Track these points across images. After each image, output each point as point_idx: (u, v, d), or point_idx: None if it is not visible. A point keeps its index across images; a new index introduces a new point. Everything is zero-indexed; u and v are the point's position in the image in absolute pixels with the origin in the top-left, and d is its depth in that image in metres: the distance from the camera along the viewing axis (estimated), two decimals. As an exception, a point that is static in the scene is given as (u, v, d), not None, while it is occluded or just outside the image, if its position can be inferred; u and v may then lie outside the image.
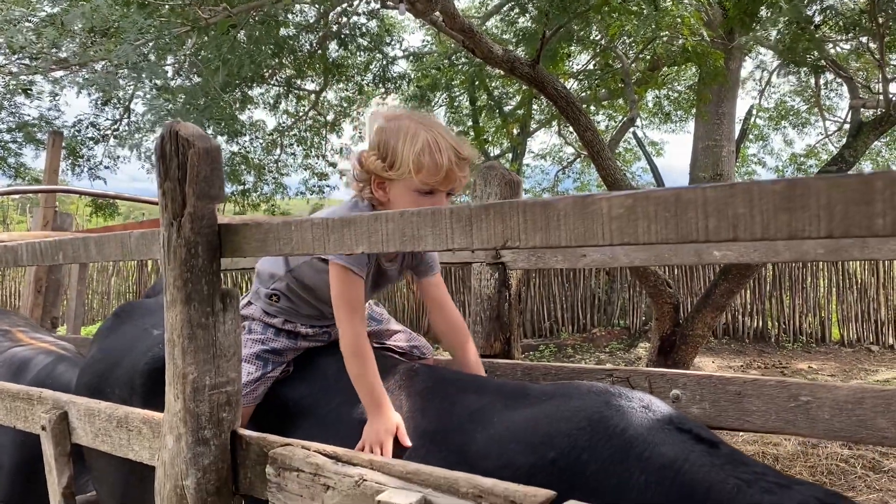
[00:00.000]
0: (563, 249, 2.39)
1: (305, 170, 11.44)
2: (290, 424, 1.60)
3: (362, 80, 10.23)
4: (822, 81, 10.31)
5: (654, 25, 5.70)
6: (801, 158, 13.52)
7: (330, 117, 11.29)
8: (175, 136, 1.34)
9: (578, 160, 13.70)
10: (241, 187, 10.01)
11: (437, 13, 4.68)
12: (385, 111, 1.69)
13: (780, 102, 13.40)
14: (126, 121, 9.07)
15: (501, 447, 1.30)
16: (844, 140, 6.64)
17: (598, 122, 12.75)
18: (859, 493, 3.97)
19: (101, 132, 9.09)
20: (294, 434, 1.41)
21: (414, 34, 12.71)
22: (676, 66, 9.65)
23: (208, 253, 1.35)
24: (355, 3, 7.92)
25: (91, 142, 9.07)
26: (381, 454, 1.39)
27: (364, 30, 8.82)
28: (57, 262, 1.89)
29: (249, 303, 1.79)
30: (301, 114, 10.95)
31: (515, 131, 11.75)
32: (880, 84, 6.99)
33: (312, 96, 10.65)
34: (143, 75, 6.51)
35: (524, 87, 9.35)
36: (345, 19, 8.33)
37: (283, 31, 7.59)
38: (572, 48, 8.70)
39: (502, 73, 7.18)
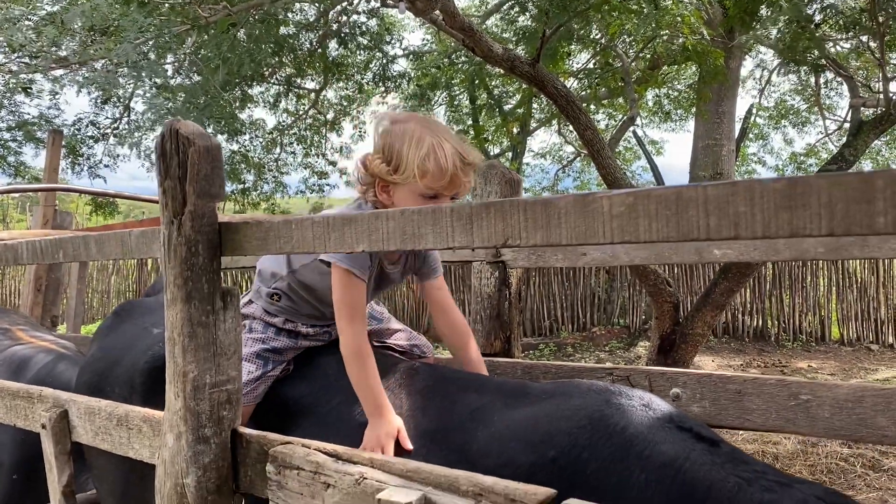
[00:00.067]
0: (564, 248, 2.39)
1: (305, 168, 11.45)
2: (290, 423, 1.60)
3: (362, 78, 10.24)
4: (822, 80, 10.30)
5: (655, 24, 5.70)
6: (802, 157, 13.53)
7: (330, 116, 11.29)
8: (175, 134, 1.34)
9: (578, 159, 13.70)
10: (241, 186, 10.01)
11: (437, 12, 4.68)
12: (390, 113, 1.67)
13: (780, 101, 13.41)
14: (126, 119, 9.08)
15: (502, 445, 1.30)
16: (844, 139, 6.63)
17: (598, 121, 12.74)
18: (859, 491, 3.97)
19: (101, 131, 9.09)
20: (294, 433, 1.41)
21: (414, 33, 12.74)
22: (676, 64, 9.65)
23: (209, 251, 1.35)
24: (355, 2, 7.93)
25: (91, 140, 9.07)
26: None
27: (364, 28, 8.83)
28: (57, 260, 1.89)
29: (250, 301, 1.79)
30: (301, 112, 10.96)
31: (515, 130, 11.76)
32: (880, 83, 6.99)
33: (312, 95, 10.65)
34: (143, 74, 6.51)
35: (524, 86, 9.35)
36: (345, 18, 8.34)
37: (283, 30, 7.60)
38: (572, 47, 8.69)
39: (502, 71, 7.18)
